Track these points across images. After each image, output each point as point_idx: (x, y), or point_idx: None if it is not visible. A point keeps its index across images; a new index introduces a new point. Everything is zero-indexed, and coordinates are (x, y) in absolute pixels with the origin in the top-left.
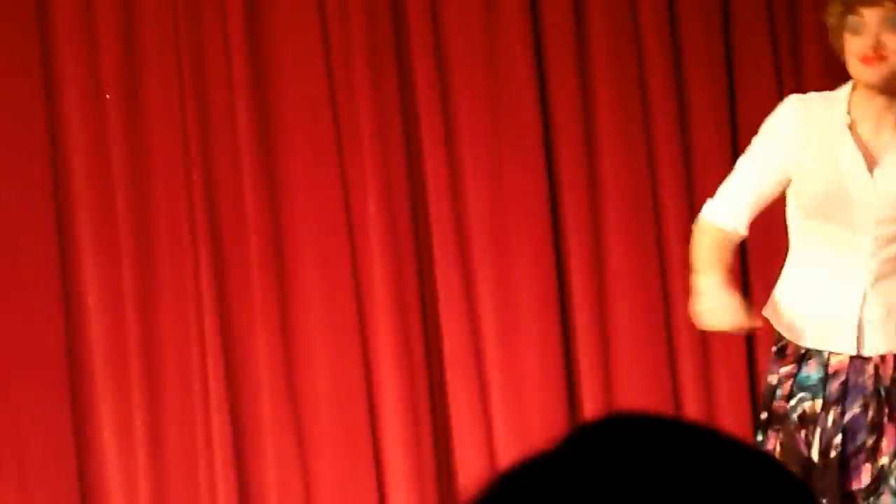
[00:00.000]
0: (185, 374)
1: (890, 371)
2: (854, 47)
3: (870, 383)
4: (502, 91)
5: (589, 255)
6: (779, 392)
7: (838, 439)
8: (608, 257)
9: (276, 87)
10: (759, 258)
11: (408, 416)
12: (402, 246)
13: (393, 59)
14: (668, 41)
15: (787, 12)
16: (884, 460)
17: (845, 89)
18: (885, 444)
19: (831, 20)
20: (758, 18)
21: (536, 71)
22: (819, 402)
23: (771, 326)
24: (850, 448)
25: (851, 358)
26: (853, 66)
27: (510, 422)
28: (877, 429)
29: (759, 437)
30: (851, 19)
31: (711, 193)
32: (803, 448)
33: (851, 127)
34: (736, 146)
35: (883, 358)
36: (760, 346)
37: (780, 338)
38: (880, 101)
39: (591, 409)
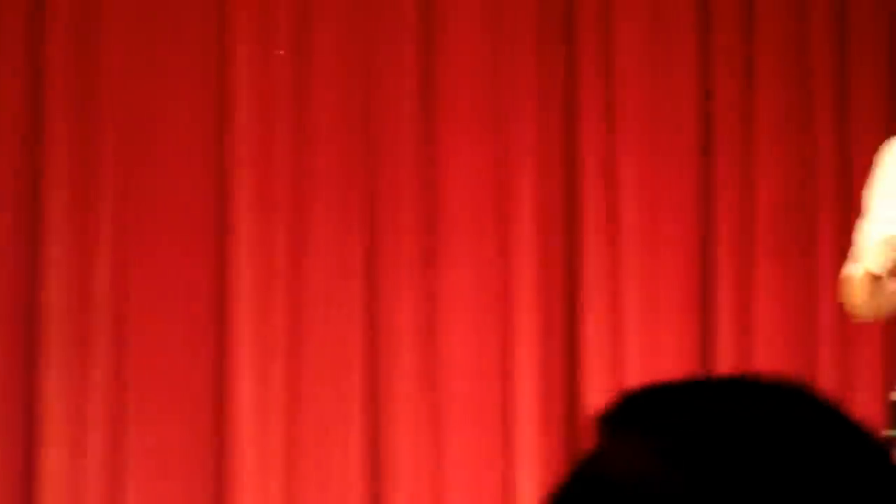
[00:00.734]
0: (330, 334)
1: None
2: None
3: None
4: (665, 85)
5: (739, 256)
6: None
7: None
8: (758, 258)
9: (444, 70)
10: None
11: (542, 402)
12: (552, 230)
13: (560, 47)
14: (835, 47)
15: None
16: None
17: None
18: None
19: None
20: None
21: (701, 67)
22: None
23: None
24: None
25: None
26: None
27: None
28: None
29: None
30: None
31: None
32: None
33: None
34: None
35: None
36: None
37: None
38: None
39: None
